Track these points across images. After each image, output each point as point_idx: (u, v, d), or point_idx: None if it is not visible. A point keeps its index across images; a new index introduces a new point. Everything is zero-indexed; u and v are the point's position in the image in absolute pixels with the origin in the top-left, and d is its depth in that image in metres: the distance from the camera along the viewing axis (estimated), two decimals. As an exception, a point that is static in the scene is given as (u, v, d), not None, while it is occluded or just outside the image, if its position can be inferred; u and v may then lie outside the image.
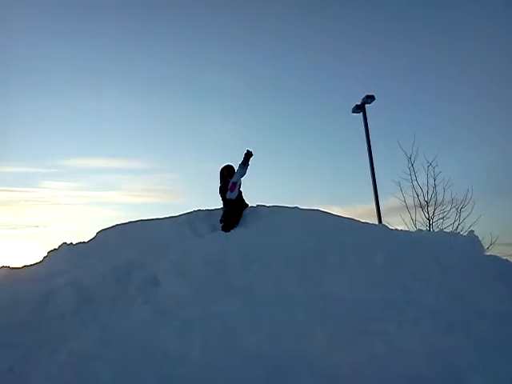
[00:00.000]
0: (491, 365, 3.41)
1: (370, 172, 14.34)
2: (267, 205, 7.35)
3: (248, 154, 7.10)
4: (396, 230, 7.20)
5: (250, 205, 7.41)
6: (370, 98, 14.71)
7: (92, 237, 7.29)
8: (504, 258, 5.86)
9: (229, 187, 7.14)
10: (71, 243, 7.16)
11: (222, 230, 6.74)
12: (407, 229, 13.40)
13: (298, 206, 7.03)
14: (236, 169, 7.27)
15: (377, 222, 13.00)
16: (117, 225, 7.42)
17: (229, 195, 7.11)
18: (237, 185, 7.15)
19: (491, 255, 6.03)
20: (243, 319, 4.14)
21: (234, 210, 7.04)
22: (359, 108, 14.95)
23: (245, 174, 7.17)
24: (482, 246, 6.17)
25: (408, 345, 3.65)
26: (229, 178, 7.26)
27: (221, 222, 6.90)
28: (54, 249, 7.06)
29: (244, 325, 4.05)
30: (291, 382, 3.45)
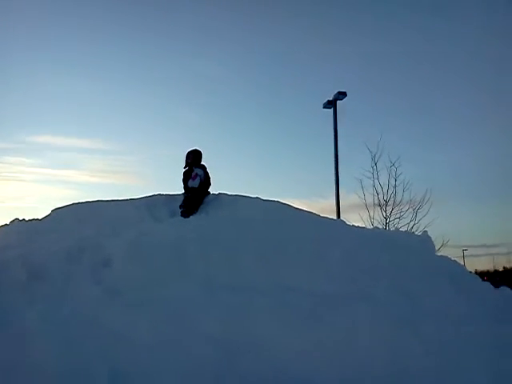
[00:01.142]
0: (436, 362, 3.53)
1: (333, 167, 14.48)
2: (229, 193, 7.32)
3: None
4: (353, 226, 7.30)
5: (211, 192, 7.34)
6: (341, 95, 14.75)
7: (46, 214, 7.07)
8: (453, 259, 6.08)
9: (192, 175, 7.06)
10: (24, 219, 6.94)
11: (181, 215, 6.67)
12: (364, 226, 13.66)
13: (260, 197, 7.04)
14: (203, 164, 7.27)
15: (335, 218, 13.16)
16: (73, 204, 7.22)
17: (191, 183, 7.02)
18: (198, 177, 7.08)
19: (442, 256, 6.23)
20: (197, 303, 4.13)
21: (194, 197, 6.97)
22: (330, 104, 15.01)
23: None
24: (434, 247, 6.36)
25: (358, 338, 3.73)
26: (194, 167, 7.16)
27: (180, 207, 6.81)
28: (5, 224, 6.83)
29: (197, 309, 4.04)
30: (241, 366, 3.48)
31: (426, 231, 6.78)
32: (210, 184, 7.33)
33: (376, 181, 15.08)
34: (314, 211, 7.26)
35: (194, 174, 7.06)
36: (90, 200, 7.32)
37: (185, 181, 7.18)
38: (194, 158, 7.33)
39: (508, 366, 3.51)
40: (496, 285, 5.62)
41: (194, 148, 7.45)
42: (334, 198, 14.27)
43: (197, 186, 6.99)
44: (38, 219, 6.95)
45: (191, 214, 6.66)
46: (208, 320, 3.89)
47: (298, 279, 4.67)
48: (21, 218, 6.92)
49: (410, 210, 14.76)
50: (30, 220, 6.92)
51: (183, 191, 7.19)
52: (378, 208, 15.00)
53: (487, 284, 5.44)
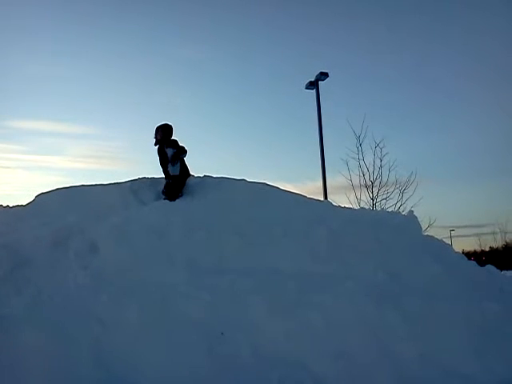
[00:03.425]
0: (417, 337, 3.58)
1: (319, 149, 14.46)
2: (214, 176, 7.27)
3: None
4: (340, 206, 7.32)
5: (195, 175, 7.19)
6: (323, 75, 14.67)
7: (30, 200, 6.97)
8: (440, 239, 6.12)
9: (169, 159, 6.56)
10: (7, 206, 6.84)
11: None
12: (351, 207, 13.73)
13: (245, 179, 7.00)
14: (174, 139, 6.74)
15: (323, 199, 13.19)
16: (57, 189, 7.13)
17: (172, 171, 6.52)
18: (178, 161, 6.62)
19: (428, 235, 6.26)
20: (183, 288, 4.13)
21: (176, 183, 6.69)
22: (312, 84, 14.92)
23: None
24: (420, 226, 6.39)
25: (342, 316, 3.78)
26: (165, 146, 6.58)
27: (163, 193, 6.61)
28: (-12, 211, 6.72)
29: (184, 293, 4.05)
30: (228, 350, 3.49)
31: (411, 211, 6.79)
32: (186, 151, 6.73)
33: (361, 162, 15.07)
34: (301, 193, 7.24)
35: (169, 156, 6.51)
36: (75, 185, 7.23)
37: (163, 164, 6.80)
38: (163, 133, 6.78)
39: (491, 341, 3.59)
40: (482, 264, 5.69)
41: (163, 123, 6.90)
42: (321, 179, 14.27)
43: (178, 173, 6.57)
44: (22, 205, 6.85)
45: (176, 198, 6.53)
46: (193, 304, 3.90)
47: (283, 260, 4.69)
48: (4, 205, 6.82)
49: (397, 190, 14.79)
50: (13, 206, 6.82)
51: (164, 175, 6.88)
52: (365, 189, 15.04)
53: (473, 263, 5.51)
